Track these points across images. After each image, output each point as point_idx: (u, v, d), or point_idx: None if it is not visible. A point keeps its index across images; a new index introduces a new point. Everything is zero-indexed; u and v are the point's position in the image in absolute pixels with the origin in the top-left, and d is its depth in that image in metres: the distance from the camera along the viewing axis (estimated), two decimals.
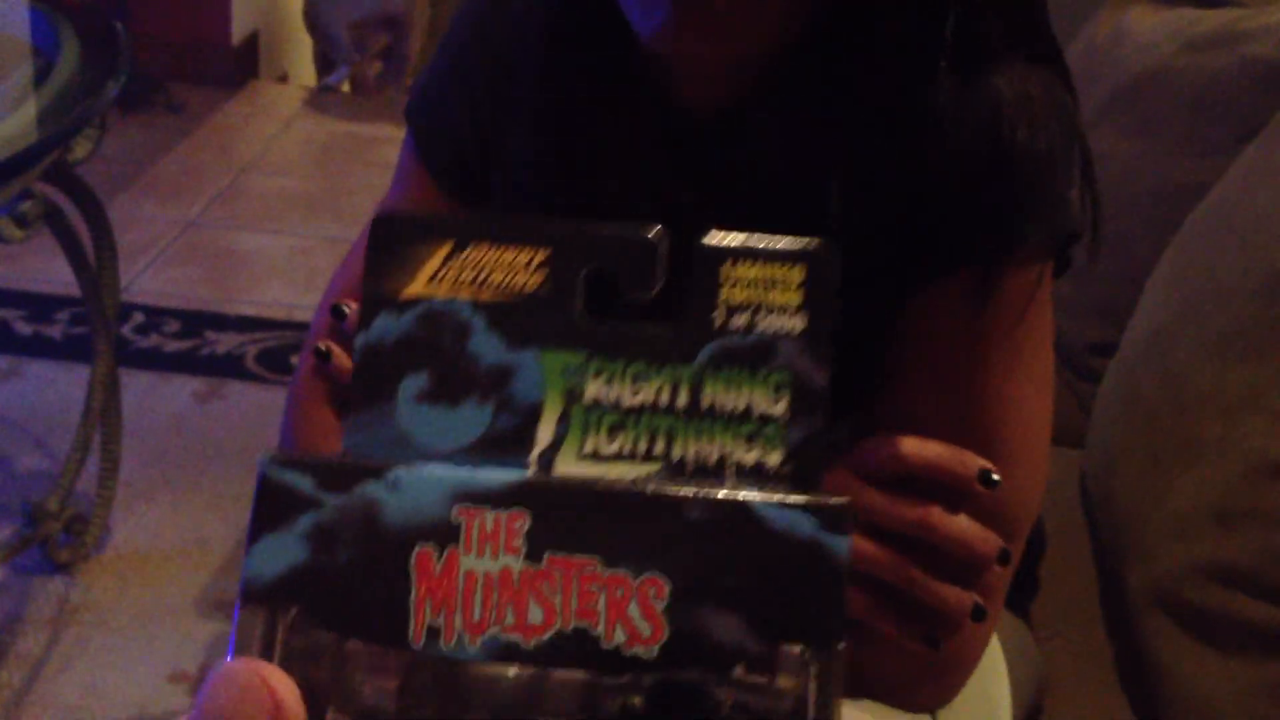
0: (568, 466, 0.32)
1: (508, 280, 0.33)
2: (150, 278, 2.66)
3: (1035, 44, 0.77)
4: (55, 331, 2.41)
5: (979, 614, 0.75)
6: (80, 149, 1.65)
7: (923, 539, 0.74)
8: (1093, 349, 1.41)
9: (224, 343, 2.45)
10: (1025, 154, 0.75)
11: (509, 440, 0.32)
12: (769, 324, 0.33)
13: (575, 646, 0.30)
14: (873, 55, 0.75)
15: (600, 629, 0.30)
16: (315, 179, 3.23)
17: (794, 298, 0.33)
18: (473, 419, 0.33)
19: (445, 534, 0.31)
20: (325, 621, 0.30)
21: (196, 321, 2.50)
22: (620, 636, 0.30)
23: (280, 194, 3.11)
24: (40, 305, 2.47)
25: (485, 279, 0.33)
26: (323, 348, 0.83)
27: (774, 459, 0.32)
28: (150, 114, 3.35)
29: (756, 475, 0.32)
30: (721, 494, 0.31)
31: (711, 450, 0.32)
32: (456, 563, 0.31)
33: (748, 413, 0.33)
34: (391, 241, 0.34)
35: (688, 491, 0.31)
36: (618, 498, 0.31)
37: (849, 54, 0.75)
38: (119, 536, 1.96)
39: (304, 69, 3.95)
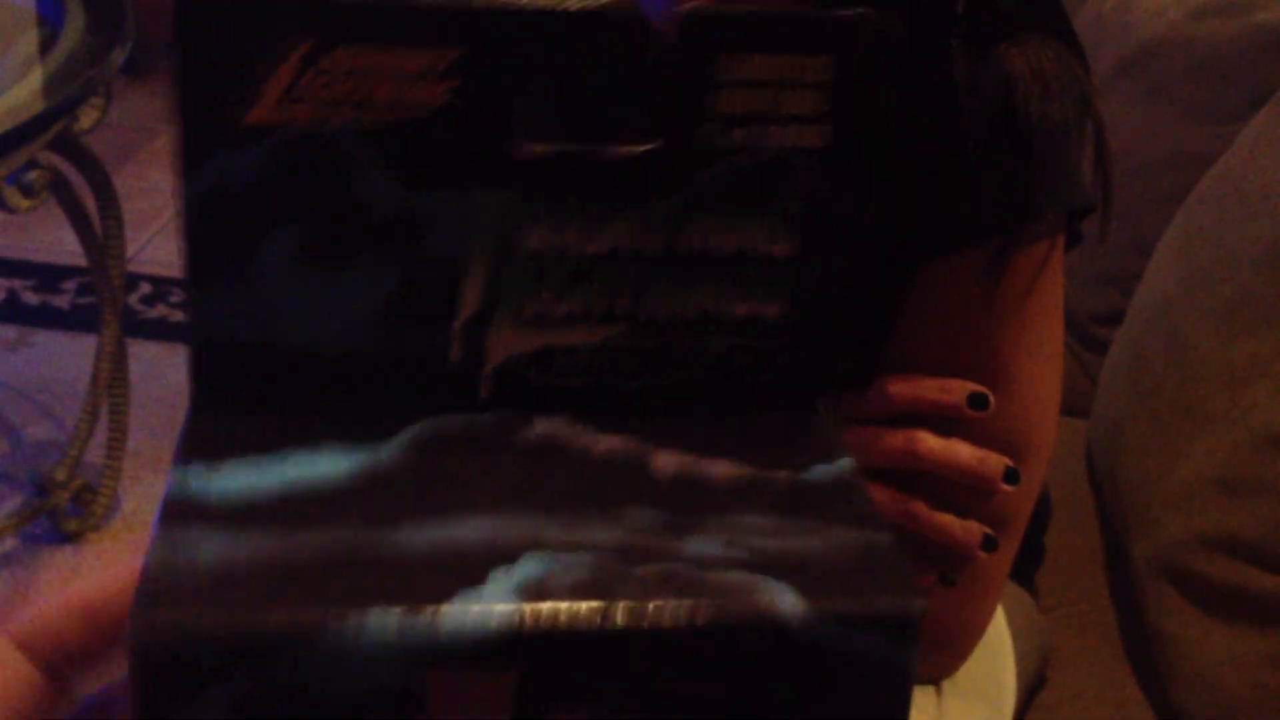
0: (503, 337, 0.25)
1: (400, 94, 0.23)
2: (157, 247, 2.66)
3: (1048, 18, 0.77)
4: (63, 301, 2.41)
5: (989, 544, 0.75)
6: (86, 118, 1.65)
7: (915, 467, 0.73)
8: (1099, 318, 1.41)
9: None
10: (1038, 128, 0.74)
11: (423, 308, 0.25)
12: (780, 138, 0.25)
13: None
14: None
15: None
16: None
17: (814, 101, 0.25)
18: (368, 283, 0.24)
19: (410, 701, 0.22)
20: None
21: None
22: None
23: None
24: (47, 275, 2.47)
25: (367, 93, 0.23)
26: None
27: (772, 308, 0.25)
28: (156, 82, 3.34)
29: (749, 330, 0.26)
30: (749, 612, 0.23)
31: (690, 304, 0.25)
32: None
33: (740, 255, 0.25)
34: (215, 38, 0.23)
35: (703, 619, 0.23)
36: (621, 637, 0.23)
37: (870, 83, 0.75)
38: (127, 506, 1.96)
39: None
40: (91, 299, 2.07)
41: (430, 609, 0.22)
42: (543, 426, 0.25)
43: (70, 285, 2.45)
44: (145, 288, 2.49)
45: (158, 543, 0.22)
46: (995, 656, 0.93)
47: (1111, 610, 1.16)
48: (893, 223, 0.73)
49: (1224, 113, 1.32)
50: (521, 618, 0.22)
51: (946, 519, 0.74)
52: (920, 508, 0.74)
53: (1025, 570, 1.06)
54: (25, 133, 1.47)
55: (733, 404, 0.26)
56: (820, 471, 0.25)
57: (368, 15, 0.23)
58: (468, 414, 0.25)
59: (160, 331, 2.37)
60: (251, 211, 0.24)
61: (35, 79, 1.58)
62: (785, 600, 0.23)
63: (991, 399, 0.74)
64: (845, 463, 0.26)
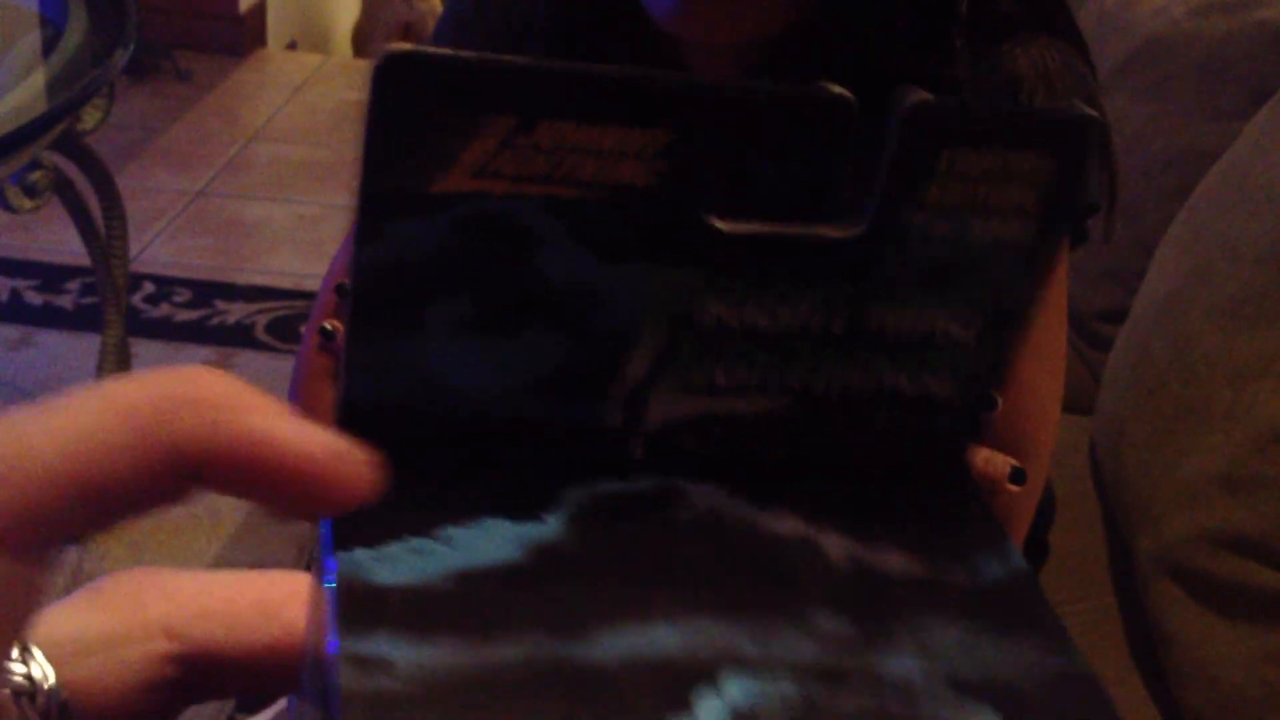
0: (663, 402, 0.23)
1: (603, 172, 0.22)
2: (160, 247, 2.67)
3: (1052, 18, 0.77)
4: (66, 301, 2.42)
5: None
6: (89, 118, 1.65)
7: None
8: (1103, 315, 1.41)
9: (234, 312, 2.45)
10: None
11: (587, 375, 0.23)
12: (984, 231, 0.23)
13: None
14: (887, 30, 0.75)
15: None
16: (324, 147, 3.23)
17: (1026, 197, 0.23)
18: (535, 352, 0.23)
19: None
20: None
21: (206, 291, 2.50)
22: None
23: (289, 162, 3.11)
24: (51, 275, 2.47)
25: (568, 170, 0.22)
26: (328, 326, 0.83)
27: (941, 386, 0.24)
28: (158, 82, 3.35)
29: (917, 408, 0.24)
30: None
31: (863, 379, 0.24)
32: None
33: (928, 338, 0.24)
34: (412, 109, 0.21)
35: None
36: None
37: (863, 29, 0.75)
38: None
39: (318, 39, 3.95)
40: (95, 299, 2.08)
41: None
42: (701, 499, 0.24)
43: (73, 285, 2.45)
44: (148, 287, 2.49)
45: (346, 652, 0.21)
46: None
47: (1115, 607, 1.16)
48: None
49: (1226, 110, 1.32)
50: None
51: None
52: None
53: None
54: (28, 133, 1.48)
55: (887, 480, 0.25)
56: (996, 569, 0.24)
57: (576, 91, 0.22)
58: (623, 481, 0.24)
59: (163, 331, 2.37)
60: (425, 277, 0.23)
61: (38, 80, 1.59)
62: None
63: (999, 400, 0.74)
64: (1015, 555, 0.24)
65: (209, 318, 2.43)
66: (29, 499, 0.22)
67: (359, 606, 0.21)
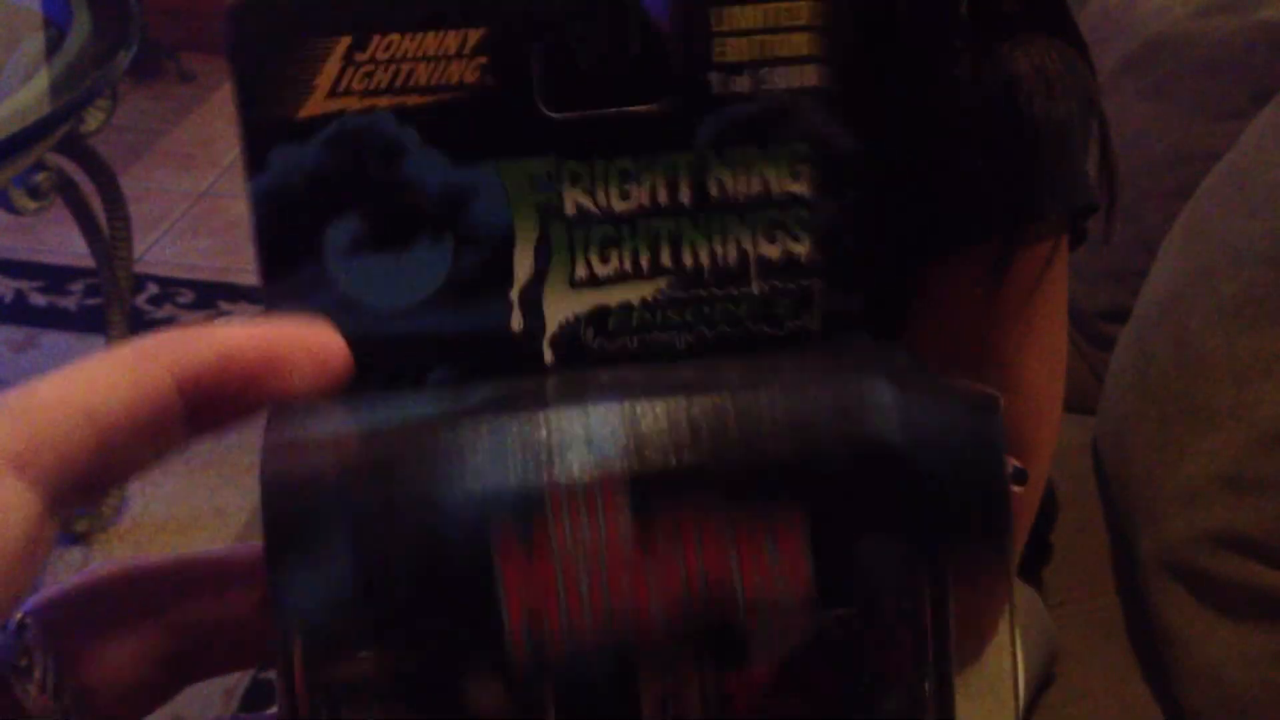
0: (558, 301, 0.26)
1: (436, 76, 0.26)
2: (164, 248, 2.67)
3: (1052, 18, 0.77)
4: (70, 303, 2.42)
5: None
6: (92, 120, 1.66)
7: None
8: (1105, 315, 1.41)
9: (238, 313, 2.45)
10: (1042, 127, 0.74)
11: (481, 280, 0.26)
12: (777, 81, 0.26)
13: (714, 606, 0.24)
14: (886, 29, 0.75)
15: (736, 581, 0.24)
16: None
17: (805, 43, 0.26)
18: (429, 262, 0.26)
19: (527, 508, 0.23)
20: (398, 654, 0.24)
21: (210, 292, 2.51)
22: (760, 586, 0.24)
23: None
24: (54, 277, 2.47)
25: (406, 78, 0.26)
26: None
27: (802, 248, 0.27)
28: (162, 83, 3.35)
29: (785, 272, 0.27)
30: (857, 434, 0.24)
31: (728, 249, 0.27)
32: (548, 541, 0.23)
33: (765, 196, 0.27)
34: (264, 44, 0.25)
35: (816, 432, 0.24)
36: (729, 434, 0.24)
37: (861, 27, 0.75)
38: (136, 507, 1.97)
39: None
40: (98, 300, 2.08)
41: (540, 414, 0.24)
42: (609, 374, 0.27)
43: (77, 286, 2.45)
44: (152, 288, 2.49)
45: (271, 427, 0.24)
46: (1002, 653, 0.93)
47: (1118, 607, 1.16)
48: (895, 174, 0.74)
49: (1228, 109, 1.32)
50: (632, 413, 0.24)
51: None
52: None
53: (1032, 568, 1.06)
54: (32, 135, 1.48)
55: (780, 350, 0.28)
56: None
57: (396, 6, 0.25)
58: (537, 377, 0.27)
59: None
60: (313, 203, 0.26)
61: (42, 81, 1.59)
62: (878, 385, 0.25)
63: (1001, 400, 0.74)
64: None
65: (213, 319, 2.43)
66: (41, 426, 0.24)
67: (289, 417, 0.24)
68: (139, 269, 2.48)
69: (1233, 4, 1.36)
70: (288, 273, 0.26)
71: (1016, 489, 0.75)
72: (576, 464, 0.23)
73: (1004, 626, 0.93)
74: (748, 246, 0.27)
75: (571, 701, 0.24)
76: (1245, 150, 1.18)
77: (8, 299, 2.41)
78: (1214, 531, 1.05)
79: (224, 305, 2.47)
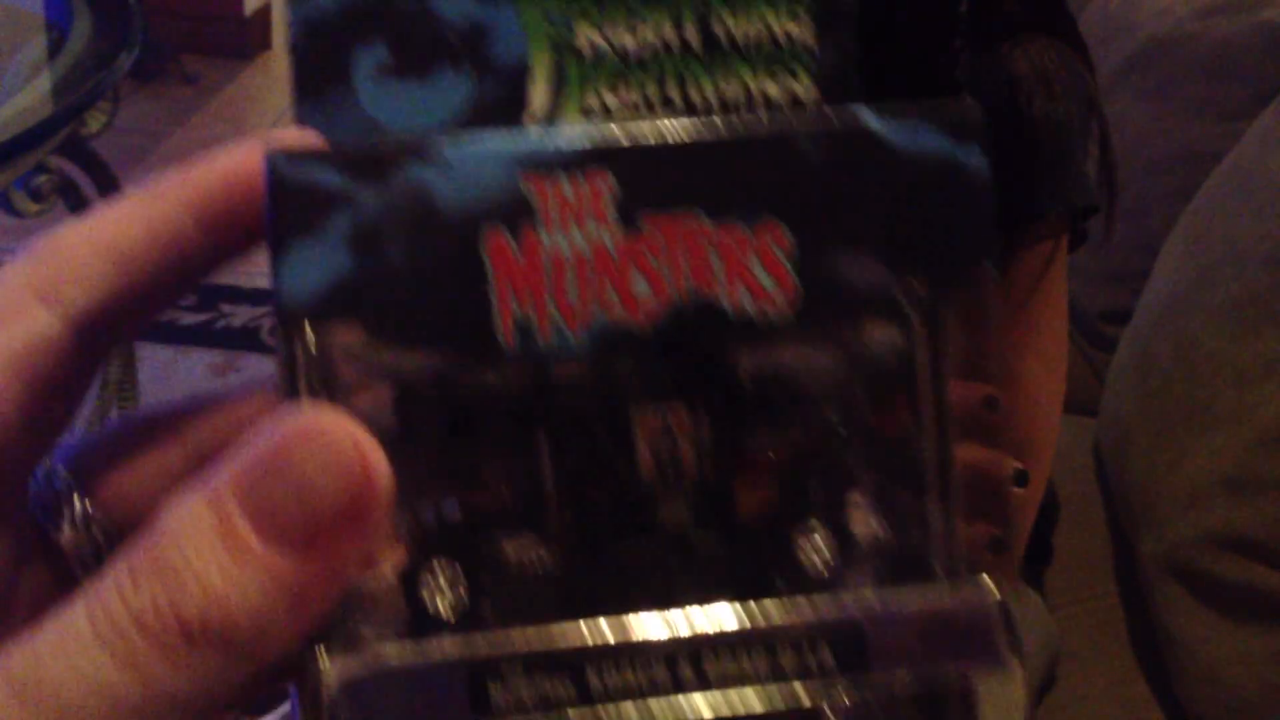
0: (573, 130, 0.27)
1: None
2: None
3: (1052, 19, 0.77)
4: None
5: (998, 545, 0.75)
6: (94, 122, 1.65)
7: None
8: (1106, 316, 1.41)
9: (239, 315, 2.45)
10: (1041, 127, 0.74)
11: (499, 108, 0.28)
12: None
13: (697, 322, 0.25)
14: (886, 29, 0.75)
15: (720, 292, 0.25)
16: None
17: None
18: (450, 90, 0.28)
19: (517, 212, 0.25)
20: (390, 336, 0.25)
21: (212, 294, 2.51)
22: (745, 297, 0.25)
23: None
24: None
25: None
26: None
27: (803, 88, 0.28)
28: (164, 85, 3.35)
29: (791, 109, 0.28)
30: (834, 116, 0.26)
31: (733, 88, 0.28)
32: (538, 242, 0.25)
33: (769, 38, 0.28)
34: None
35: (794, 123, 0.26)
36: (714, 144, 0.25)
37: (862, 28, 0.75)
38: None
39: None
40: None
41: (534, 128, 0.26)
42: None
43: None
44: None
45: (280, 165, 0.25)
46: None
47: (1120, 609, 1.16)
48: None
49: (1230, 110, 1.32)
50: (624, 130, 0.25)
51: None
52: None
53: (1034, 570, 1.06)
54: (33, 137, 1.48)
55: None
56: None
57: None
58: None
59: (169, 335, 2.38)
60: (345, 28, 0.28)
61: (43, 83, 1.59)
62: (864, 112, 0.26)
63: (1003, 401, 0.74)
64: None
65: (214, 321, 2.43)
66: (64, 261, 0.25)
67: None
68: None
69: (1234, 5, 1.36)
70: (317, 92, 0.28)
71: (1019, 491, 0.75)
72: (566, 174, 0.25)
73: None
74: (751, 85, 0.28)
75: (562, 404, 0.26)
76: (1247, 152, 1.18)
77: None
78: (1215, 533, 1.05)
79: (225, 307, 2.47)
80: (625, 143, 0.25)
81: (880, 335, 0.27)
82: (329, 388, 0.25)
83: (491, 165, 0.25)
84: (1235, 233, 1.13)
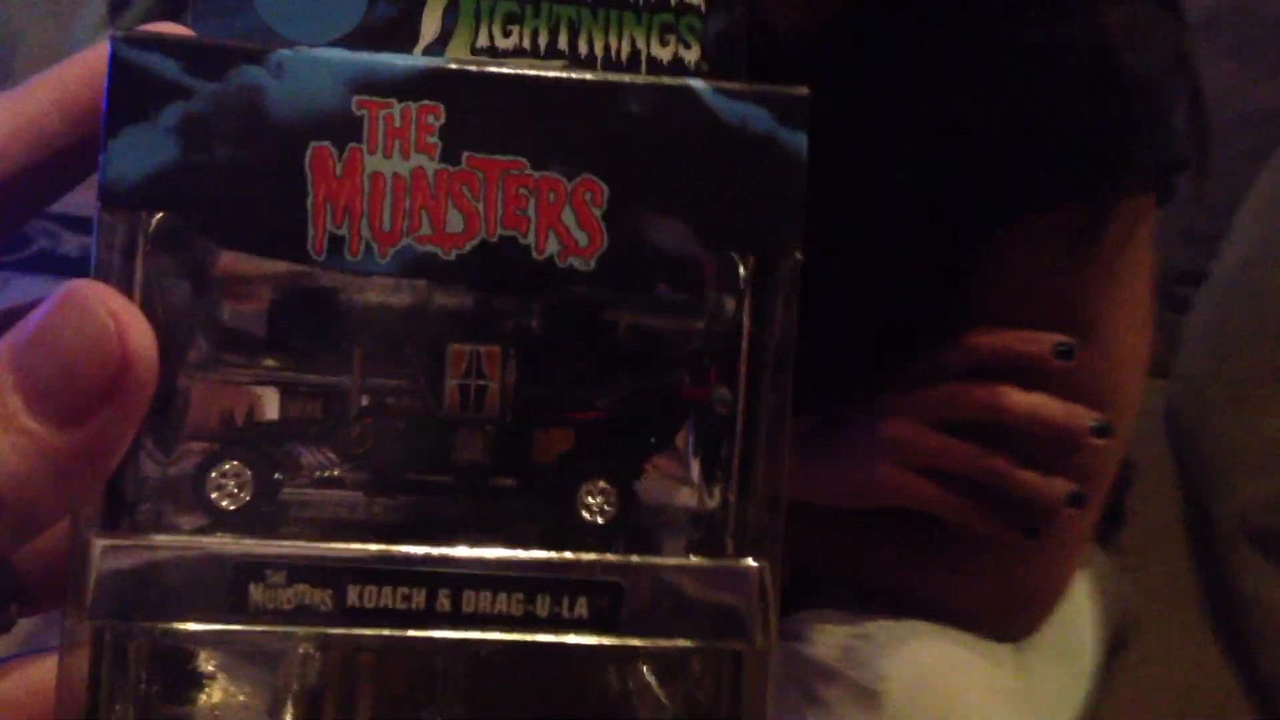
0: (411, 59, 0.28)
1: None
2: None
3: None
4: None
5: (1075, 500, 0.74)
6: None
7: (1000, 421, 0.73)
8: (1181, 278, 1.39)
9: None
10: (1132, 82, 0.73)
11: (389, 31, 0.28)
12: None
13: (502, 257, 0.26)
14: None
15: (530, 238, 0.26)
16: None
17: None
18: (345, 7, 0.28)
19: (345, 129, 0.26)
20: (202, 228, 0.26)
21: None
22: (554, 246, 0.26)
23: None
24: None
25: None
26: None
27: (691, 54, 0.29)
28: None
29: (672, 73, 0.29)
30: (666, 81, 0.27)
31: (621, 44, 0.29)
32: (360, 162, 0.26)
33: (661, 1, 0.29)
34: None
35: (626, 78, 0.27)
36: (546, 87, 0.26)
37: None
38: None
39: None
40: None
41: (378, 55, 0.26)
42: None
43: None
44: None
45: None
46: (1077, 617, 0.92)
47: (1194, 571, 1.15)
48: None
49: None
50: (457, 66, 0.26)
51: (1031, 475, 0.74)
52: (1003, 464, 0.73)
53: (1107, 532, 1.05)
54: None
55: None
56: None
57: None
58: None
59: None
60: None
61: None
62: (696, 82, 0.27)
63: (1077, 350, 0.73)
64: None
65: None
66: None
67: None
68: None
69: None
70: (216, 6, 0.28)
71: (1098, 442, 0.73)
72: (399, 99, 0.26)
73: (1080, 591, 0.93)
74: (641, 44, 0.28)
75: (380, 330, 0.27)
76: None
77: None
78: None
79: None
80: (459, 78, 0.26)
81: (686, 304, 0.28)
82: (136, 274, 0.26)
83: (328, 80, 0.26)
84: None
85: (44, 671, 0.27)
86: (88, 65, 0.27)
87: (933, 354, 0.75)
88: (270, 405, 0.28)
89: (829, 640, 0.81)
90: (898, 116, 0.77)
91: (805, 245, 0.27)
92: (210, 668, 0.29)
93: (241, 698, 0.29)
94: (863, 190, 0.77)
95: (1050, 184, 0.75)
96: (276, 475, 0.28)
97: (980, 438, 0.74)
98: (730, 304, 0.27)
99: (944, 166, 0.74)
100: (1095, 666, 0.93)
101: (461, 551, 0.26)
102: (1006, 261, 0.78)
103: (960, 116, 0.76)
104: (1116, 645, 1.04)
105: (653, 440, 0.29)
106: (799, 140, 0.27)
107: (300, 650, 0.28)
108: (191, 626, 0.26)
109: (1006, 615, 0.84)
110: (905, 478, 0.75)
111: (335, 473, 0.28)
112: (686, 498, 0.29)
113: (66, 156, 0.27)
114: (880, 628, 0.80)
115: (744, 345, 0.27)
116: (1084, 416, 0.73)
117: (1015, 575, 0.81)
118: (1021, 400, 0.73)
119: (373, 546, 0.26)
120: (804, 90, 0.27)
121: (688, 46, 0.29)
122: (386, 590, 0.26)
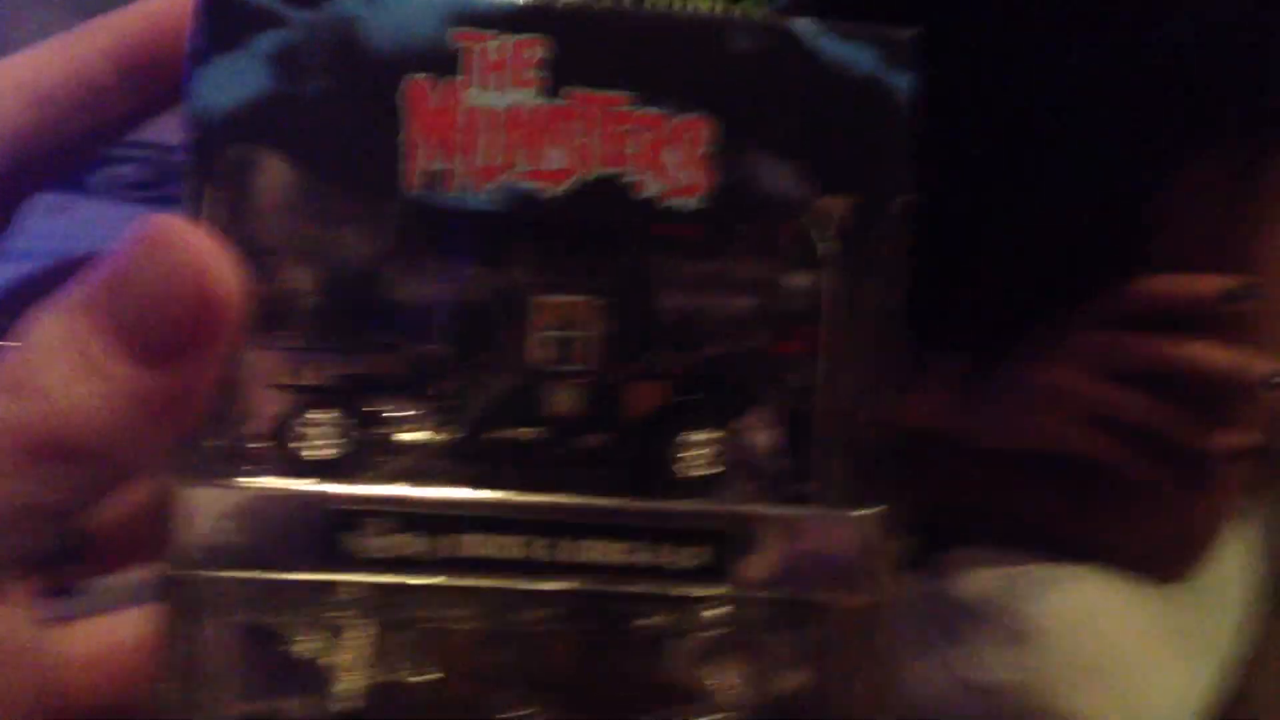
0: None
1: None
2: None
3: None
4: None
5: (1246, 453, 0.72)
6: None
7: (1171, 370, 0.71)
8: None
9: None
10: None
11: None
12: None
13: (602, 196, 0.26)
14: None
15: (631, 176, 0.26)
16: None
17: None
18: None
19: (442, 62, 0.25)
20: (294, 162, 0.25)
21: None
22: (655, 186, 0.26)
23: None
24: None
25: None
26: None
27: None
28: None
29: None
30: (773, 19, 0.26)
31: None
32: (457, 96, 0.25)
33: None
34: None
35: (736, 14, 0.26)
36: (650, 22, 0.26)
37: None
38: None
39: None
40: None
41: None
42: None
43: None
44: None
45: None
46: (1235, 562, 0.90)
47: None
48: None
49: None
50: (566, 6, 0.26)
51: (1200, 427, 0.72)
52: (1171, 413, 0.72)
53: (1267, 477, 1.03)
54: None
55: None
56: None
57: None
58: None
59: None
60: None
61: None
62: (801, 21, 0.26)
63: (1246, 293, 0.71)
64: None
65: None
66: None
67: None
68: None
69: None
70: None
71: (1272, 394, 0.71)
72: (498, 33, 0.25)
73: (1238, 536, 0.91)
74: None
75: (466, 283, 0.27)
76: None
77: None
78: None
79: None
80: (560, 11, 0.25)
81: (790, 258, 0.27)
82: (231, 208, 0.25)
83: (425, 11, 0.25)
84: None
85: (124, 627, 0.27)
86: (147, 14, 0.27)
87: (1097, 301, 0.74)
88: (348, 354, 0.28)
89: (978, 581, 0.80)
90: (1053, 62, 0.75)
91: (917, 190, 0.26)
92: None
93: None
94: (1024, 137, 0.75)
95: (1212, 125, 0.73)
96: (362, 426, 0.27)
97: (1147, 386, 0.72)
98: (832, 249, 0.27)
99: (1105, 111, 0.72)
100: (1253, 612, 0.91)
101: (564, 499, 0.26)
102: (1170, 207, 0.76)
103: (1120, 58, 0.74)
104: (1275, 591, 1.02)
105: (743, 394, 0.28)
106: (903, 82, 0.26)
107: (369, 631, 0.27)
108: (287, 576, 0.25)
109: (1164, 561, 0.83)
110: (1070, 425, 0.74)
111: (424, 422, 0.28)
112: (747, 443, 0.28)
113: (117, 109, 0.27)
114: (1033, 570, 0.79)
115: (836, 292, 0.27)
116: (1261, 365, 0.71)
117: (1175, 521, 0.80)
118: (1192, 348, 0.71)
119: (467, 495, 0.26)
120: (909, 32, 0.26)
121: None
122: (483, 543, 0.26)
